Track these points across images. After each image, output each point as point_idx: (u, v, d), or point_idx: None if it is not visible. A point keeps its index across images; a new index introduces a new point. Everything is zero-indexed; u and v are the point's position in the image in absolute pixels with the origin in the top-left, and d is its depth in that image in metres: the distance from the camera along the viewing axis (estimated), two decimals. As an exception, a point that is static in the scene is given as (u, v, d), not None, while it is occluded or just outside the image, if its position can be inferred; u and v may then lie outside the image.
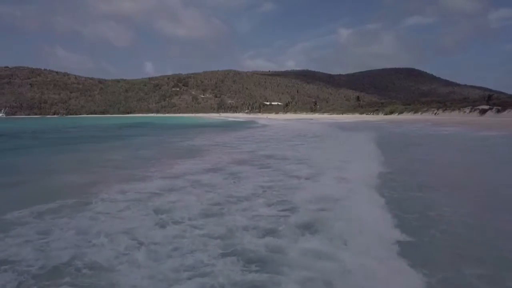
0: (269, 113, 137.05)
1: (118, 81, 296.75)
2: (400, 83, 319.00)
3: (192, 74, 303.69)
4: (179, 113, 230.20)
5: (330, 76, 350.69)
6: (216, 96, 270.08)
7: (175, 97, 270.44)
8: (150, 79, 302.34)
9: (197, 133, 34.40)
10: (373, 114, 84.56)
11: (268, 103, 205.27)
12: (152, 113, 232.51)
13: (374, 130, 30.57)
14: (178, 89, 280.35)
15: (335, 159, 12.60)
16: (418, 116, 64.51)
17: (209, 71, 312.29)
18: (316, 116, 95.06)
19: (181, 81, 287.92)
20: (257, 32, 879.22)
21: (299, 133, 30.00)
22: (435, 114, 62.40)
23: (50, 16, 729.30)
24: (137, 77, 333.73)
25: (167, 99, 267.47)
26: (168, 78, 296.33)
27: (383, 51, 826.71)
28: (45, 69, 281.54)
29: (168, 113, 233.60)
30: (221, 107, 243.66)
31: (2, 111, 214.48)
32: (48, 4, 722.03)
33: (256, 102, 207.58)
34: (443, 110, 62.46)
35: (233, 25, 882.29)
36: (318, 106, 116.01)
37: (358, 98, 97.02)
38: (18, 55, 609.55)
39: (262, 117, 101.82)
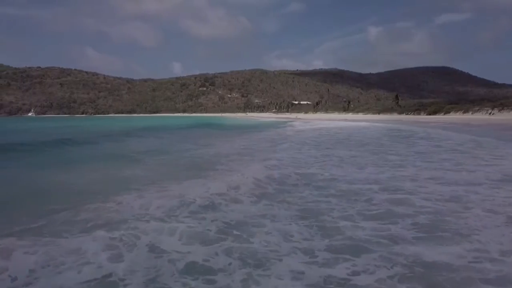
0: (298, 112, 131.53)
1: (145, 81, 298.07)
2: (434, 82, 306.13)
3: (219, 73, 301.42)
4: (206, 112, 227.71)
5: (360, 75, 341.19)
6: (242, 96, 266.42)
7: (202, 97, 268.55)
8: (177, 78, 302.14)
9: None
10: (413, 114, 77.90)
11: (296, 102, 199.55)
12: (178, 112, 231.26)
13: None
14: (205, 88, 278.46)
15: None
16: (469, 116, 57.77)
17: (236, 71, 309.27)
18: (351, 116, 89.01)
19: (208, 81, 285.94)
20: (284, 32, 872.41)
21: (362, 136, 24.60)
22: (490, 114, 55.55)
23: (79, 17, 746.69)
24: (165, 77, 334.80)
25: (194, 98, 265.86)
26: (195, 78, 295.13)
27: (414, 49, 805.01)
28: (75, 69, 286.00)
29: (194, 112, 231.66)
30: (248, 107, 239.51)
31: (33, 110, 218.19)
32: (76, 6, 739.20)
33: (284, 101, 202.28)
34: (499, 110, 55.53)
35: (260, 24, 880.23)
36: (351, 105, 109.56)
37: (397, 97, 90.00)
38: (49, 55, 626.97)
39: (291, 117, 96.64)
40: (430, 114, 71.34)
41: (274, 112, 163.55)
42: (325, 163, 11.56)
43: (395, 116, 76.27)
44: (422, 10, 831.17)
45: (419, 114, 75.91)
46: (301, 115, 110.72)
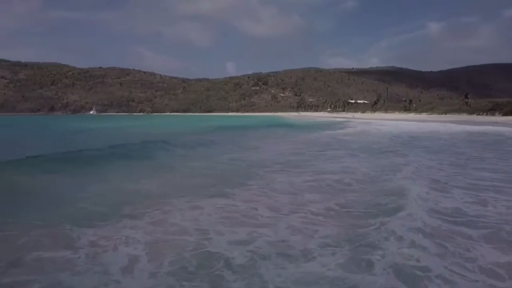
0: (354, 112, 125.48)
1: (200, 80, 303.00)
2: (504, 81, 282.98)
3: (272, 72, 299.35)
4: (258, 112, 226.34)
5: (420, 73, 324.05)
6: (296, 95, 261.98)
7: (254, 96, 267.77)
8: (231, 78, 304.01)
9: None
10: (486, 114, 70.27)
11: (352, 101, 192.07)
12: (231, 112, 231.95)
13: None
14: (257, 88, 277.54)
15: None
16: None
17: (289, 70, 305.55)
18: (413, 116, 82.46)
19: (261, 80, 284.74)
20: (338, 29, 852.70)
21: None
22: None
23: (137, 20, 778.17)
24: (219, 76, 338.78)
25: (246, 98, 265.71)
26: (249, 77, 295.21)
27: (480, 45, 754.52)
28: (133, 69, 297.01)
29: (247, 112, 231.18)
30: (301, 106, 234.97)
31: (94, 108, 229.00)
32: (133, 8, 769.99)
33: (339, 100, 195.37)
34: None
35: (313, 22, 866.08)
36: (414, 105, 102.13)
37: (466, 96, 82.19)
38: (110, 56, 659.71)
39: (348, 116, 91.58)
40: (506, 115, 63.78)
41: (329, 112, 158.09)
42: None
43: (464, 117, 69.25)
44: (487, 4, 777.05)
45: (493, 114, 68.31)
46: (358, 115, 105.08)
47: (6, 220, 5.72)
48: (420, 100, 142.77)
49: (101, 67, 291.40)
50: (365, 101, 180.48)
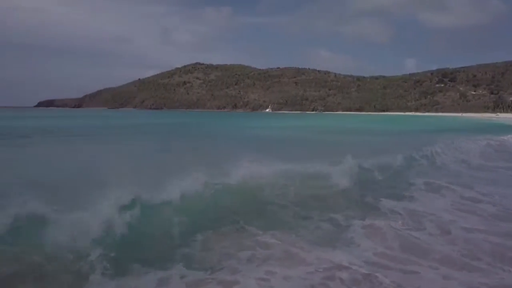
0: None
1: (376, 78, 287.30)
2: None
3: (462, 67, 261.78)
4: (442, 112, 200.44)
5: None
6: (492, 93, 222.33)
7: (438, 94, 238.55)
8: (411, 75, 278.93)
9: None
10: None
11: None
12: (409, 111, 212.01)
13: None
14: (442, 85, 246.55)
15: None
16: None
17: (483, 64, 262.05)
18: None
19: (447, 76, 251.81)
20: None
21: None
22: None
23: (313, 20, 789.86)
24: (397, 73, 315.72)
25: (428, 96, 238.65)
26: (432, 74, 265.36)
27: None
28: (308, 68, 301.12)
29: (428, 111, 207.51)
30: (498, 106, 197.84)
31: (270, 106, 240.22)
32: (310, 9, 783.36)
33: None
34: None
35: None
36: None
37: None
38: (286, 57, 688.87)
39: None
40: None
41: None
42: None
43: None
44: None
45: None
46: None
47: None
48: None
49: (278, 67, 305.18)
50: None
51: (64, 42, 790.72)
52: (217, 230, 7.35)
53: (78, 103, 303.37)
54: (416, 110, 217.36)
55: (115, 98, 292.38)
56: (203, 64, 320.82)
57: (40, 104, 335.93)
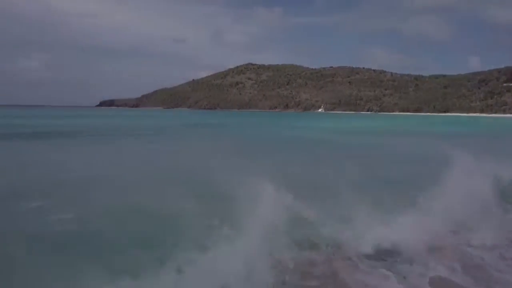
0: None
1: (436, 77, 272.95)
2: None
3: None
4: (510, 113, 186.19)
5: None
6: None
7: (506, 94, 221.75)
8: (474, 74, 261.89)
9: None
10: None
11: None
12: (473, 112, 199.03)
13: None
14: (511, 84, 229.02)
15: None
16: None
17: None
18: None
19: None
20: None
21: None
22: None
23: (368, 18, 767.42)
24: (459, 72, 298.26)
25: (495, 96, 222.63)
26: (499, 72, 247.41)
27: None
28: (363, 68, 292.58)
29: (495, 113, 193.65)
30: None
31: (322, 106, 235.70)
32: (366, 7, 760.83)
33: None
34: None
35: None
36: None
37: None
38: (340, 56, 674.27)
39: None
40: None
41: None
42: None
43: None
44: None
45: None
46: None
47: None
48: None
49: (331, 67, 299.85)
50: None
51: (123, 45, 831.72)
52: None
53: (136, 103, 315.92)
54: (481, 111, 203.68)
55: (170, 98, 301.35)
56: (255, 64, 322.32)
57: (101, 104, 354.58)
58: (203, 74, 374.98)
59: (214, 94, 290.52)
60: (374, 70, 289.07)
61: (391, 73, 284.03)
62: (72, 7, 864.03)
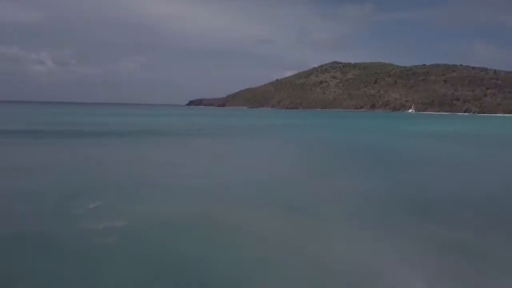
0: None
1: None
2: None
3: None
4: None
5: None
6: None
7: None
8: None
9: None
10: None
11: None
12: None
13: None
14: None
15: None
16: None
17: None
18: None
19: None
20: None
21: None
22: None
23: (468, 10, 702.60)
24: None
25: None
26: None
27: None
28: (460, 65, 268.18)
29: None
30: None
31: (413, 107, 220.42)
32: (462, 2, 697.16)
33: None
34: None
35: None
36: None
37: None
38: (433, 53, 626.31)
39: None
40: None
41: None
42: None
43: None
44: None
45: None
46: None
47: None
48: None
49: (424, 64, 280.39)
50: None
51: (210, 45, 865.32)
52: None
53: (222, 102, 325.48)
54: None
55: (254, 98, 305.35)
56: (340, 63, 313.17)
57: (190, 103, 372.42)
58: (287, 73, 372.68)
59: (297, 93, 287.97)
60: (473, 68, 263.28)
61: (494, 70, 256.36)
62: (163, 11, 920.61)
